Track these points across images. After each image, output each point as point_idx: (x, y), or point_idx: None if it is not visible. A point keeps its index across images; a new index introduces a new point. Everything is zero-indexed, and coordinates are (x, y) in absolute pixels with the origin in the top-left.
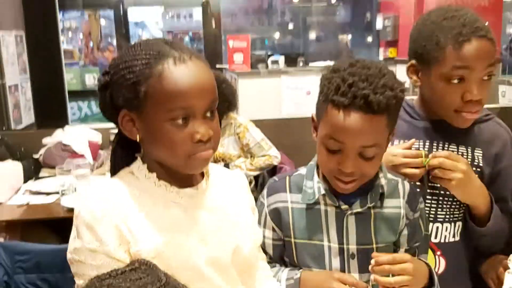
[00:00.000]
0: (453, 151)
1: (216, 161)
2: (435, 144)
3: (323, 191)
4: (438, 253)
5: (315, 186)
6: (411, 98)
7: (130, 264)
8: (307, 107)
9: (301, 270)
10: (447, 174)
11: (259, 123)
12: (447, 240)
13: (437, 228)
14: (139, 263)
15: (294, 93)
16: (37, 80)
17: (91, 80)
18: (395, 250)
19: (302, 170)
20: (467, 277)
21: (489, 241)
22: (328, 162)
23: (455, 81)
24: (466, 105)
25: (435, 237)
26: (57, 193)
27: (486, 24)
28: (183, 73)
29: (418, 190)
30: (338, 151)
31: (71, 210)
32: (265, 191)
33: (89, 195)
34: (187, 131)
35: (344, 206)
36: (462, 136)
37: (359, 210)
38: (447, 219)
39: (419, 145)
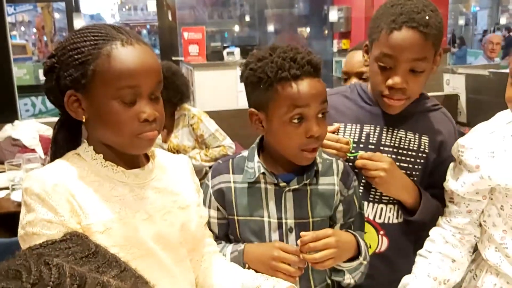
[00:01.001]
0: (401, 136)
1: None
2: (384, 129)
3: (262, 170)
4: (382, 232)
5: (255, 166)
6: (366, 83)
7: (62, 236)
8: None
9: (244, 243)
10: (370, 174)
11: (215, 115)
12: (390, 221)
13: (381, 209)
14: (70, 235)
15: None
16: None
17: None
18: (331, 226)
19: (244, 153)
20: (409, 255)
21: (419, 226)
22: (295, 135)
23: (383, 65)
24: (390, 90)
25: (379, 218)
26: (7, 188)
27: (429, 18)
28: (130, 54)
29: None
30: (301, 120)
31: (20, 204)
32: (209, 174)
33: (37, 173)
34: (133, 110)
35: (282, 184)
36: (411, 123)
37: (296, 186)
38: (391, 201)
39: (370, 129)
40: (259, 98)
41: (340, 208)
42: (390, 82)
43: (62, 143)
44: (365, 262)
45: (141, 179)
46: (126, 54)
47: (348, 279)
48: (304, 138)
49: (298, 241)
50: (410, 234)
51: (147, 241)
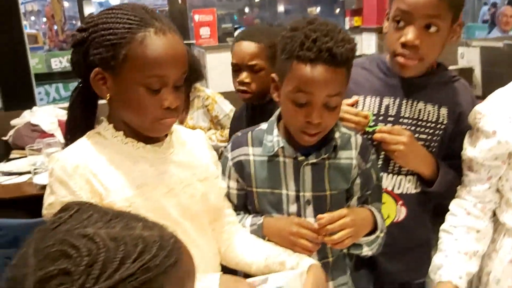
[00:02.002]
0: (420, 108)
1: None
2: (404, 101)
3: (281, 144)
4: (400, 202)
5: (275, 140)
6: (385, 54)
7: (68, 209)
8: None
9: (263, 216)
10: (389, 147)
11: (229, 95)
12: (409, 192)
13: (401, 180)
14: (76, 205)
15: None
16: (1, 64)
17: (58, 64)
18: (348, 198)
19: (263, 126)
20: (426, 224)
21: (437, 196)
22: (296, 116)
23: (397, 24)
24: (403, 48)
25: (398, 189)
26: (29, 172)
27: None
28: (163, 43)
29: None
30: (305, 104)
31: (43, 187)
32: (229, 146)
33: (60, 154)
34: (158, 97)
35: (301, 158)
36: (430, 94)
37: (314, 160)
38: (409, 172)
39: (389, 101)
40: (279, 66)
41: (358, 181)
42: (403, 39)
43: (78, 116)
44: (382, 235)
45: (160, 154)
46: (158, 44)
47: (366, 251)
48: (303, 121)
49: (315, 224)
50: (428, 203)
51: (170, 213)
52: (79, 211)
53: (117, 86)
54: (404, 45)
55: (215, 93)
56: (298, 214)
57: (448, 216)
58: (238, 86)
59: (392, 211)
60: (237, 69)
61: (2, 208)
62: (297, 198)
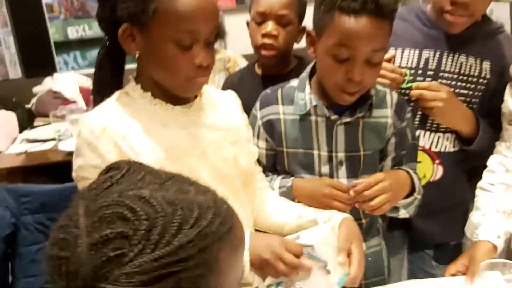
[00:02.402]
0: (462, 61)
1: None
2: (445, 54)
3: (314, 102)
4: (437, 161)
5: (307, 98)
6: (427, 4)
7: (118, 168)
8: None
9: (292, 178)
10: (427, 104)
11: (249, 58)
12: (447, 150)
13: (438, 138)
14: (126, 164)
15: None
16: (20, 32)
17: (74, 33)
18: (382, 158)
19: (294, 82)
20: (463, 182)
21: (476, 155)
22: (335, 72)
23: None
24: (452, 5)
25: (436, 147)
26: (54, 139)
27: None
28: None
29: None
30: (346, 60)
31: (69, 154)
32: (257, 104)
33: (88, 116)
34: (189, 54)
35: (334, 117)
36: (472, 47)
37: (348, 120)
38: (448, 130)
39: (429, 54)
40: (318, 19)
41: (393, 140)
42: None
43: (106, 75)
44: (419, 197)
45: (191, 116)
46: None
47: (403, 214)
48: (343, 79)
49: (351, 192)
50: (465, 162)
51: (202, 176)
52: (130, 171)
53: (147, 42)
54: (453, 2)
55: (237, 55)
56: (330, 175)
57: (485, 173)
58: (263, 40)
59: (429, 170)
60: (261, 20)
61: (29, 175)
62: (330, 159)
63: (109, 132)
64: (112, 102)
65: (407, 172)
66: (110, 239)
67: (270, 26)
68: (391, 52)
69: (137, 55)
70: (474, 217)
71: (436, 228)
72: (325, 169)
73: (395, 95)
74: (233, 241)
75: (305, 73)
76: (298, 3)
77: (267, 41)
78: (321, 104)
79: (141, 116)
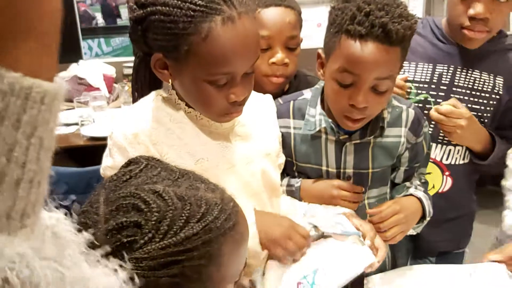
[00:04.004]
0: (476, 77)
1: None
2: (458, 69)
3: (324, 124)
4: (447, 173)
5: (317, 118)
6: (441, 18)
7: (138, 163)
8: (317, 39)
9: (300, 179)
10: (446, 129)
11: None
12: (457, 162)
13: (450, 150)
14: (145, 159)
15: (303, 25)
16: None
17: (100, 19)
18: (393, 170)
19: (307, 94)
20: (470, 194)
21: (490, 169)
22: (339, 98)
23: None
24: (471, 21)
25: (446, 159)
26: (76, 124)
27: None
28: (231, 36)
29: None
30: (350, 85)
31: (90, 139)
32: None
33: (122, 118)
34: (224, 91)
35: (343, 137)
36: (485, 63)
37: (358, 141)
38: (459, 144)
39: (442, 69)
40: (327, 42)
41: (406, 155)
42: (471, 11)
43: (143, 81)
44: (428, 219)
45: (225, 126)
46: (226, 37)
47: (411, 232)
48: (346, 104)
49: (367, 219)
50: (474, 174)
51: (230, 189)
52: (148, 166)
53: (181, 77)
54: (472, 17)
55: None
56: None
57: (509, 173)
58: (274, 70)
59: (438, 181)
60: (268, 46)
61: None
62: (338, 174)
63: (141, 138)
64: (146, 106)
65: (419, 199)
66: (125, 227)
67: (280, 55)
68: (404, 73)
69: (170, 83)
70: (508, 217)
71: (441, 237)
72: None
73: (411, 112)
74: (236, 236)
75: (318, 85)
76: (300, 17)
77: (277, 71)
78: (330, 124)
79: (173, 123)
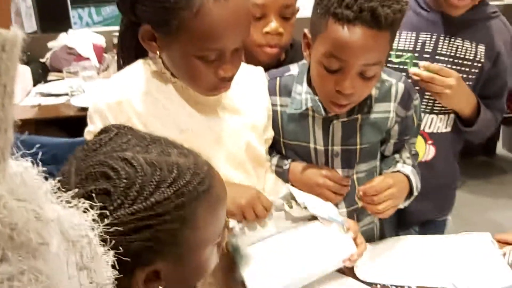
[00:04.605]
0: (458, 45)
1: None
2: (441, 38)
3: (310, 103)
4: (430, 142)
5: (303, 96)
6: None
7: (108, 132)
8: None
9: (290, 160)
10: (435, 88)
11: None
12: (439, 131)
13: (432, 119)
14: (116, 128)
15: None
16: None
17: None
18: (383, 143)
19: (294, 70)
20: (454, 162)
21: (475, 136)
22: (325, 82)
23: None
24: None
25: (429, 128)
26: (67, 94)
27: None
28: (222, 13)
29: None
30: (337, 71)
31: (81, 109)
32: None
33: (107, 85)
34: (213, 67)
35: (330, 115)
36: (468, 31)
37: (345, 119)
38: (442, 111)
39: (425, 37)
40: (313, 22)
41: (395, 128)
42: None
43: (129, 49)
44: (416, 194)
45: (211, 98)
46: (217, 13)
47: (399, 207)
48: (332, 90)
49: (360, 193)
50: (458, 142)
51: (216, 161)
52: (119, 134)
53: (169, 49)
54: None
55: None
56: (326, 164)
57: None
58: (266, 38)
59: (421, 150)
60: (261, 15)
61: (42, 128)
62: (326, 152)
63: (124, 106)
64: (132, 74)
65: (407, 176)
66: (94, 195)
67: (274, 24)
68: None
69: (158, 55)
70: None
71: (425, 206)
72: (321, 159)
73: (401, 86)
74: (211, 199)
75: (306, 62)
76: None
77: (271, 40)
78: (317, 103)
79: (159, 93)
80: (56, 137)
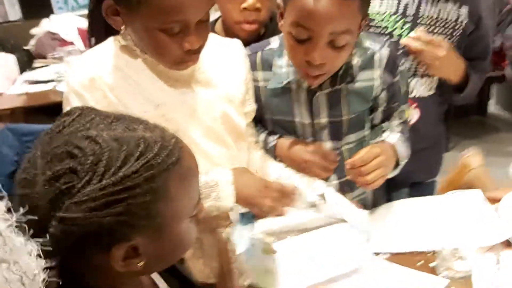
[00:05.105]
0: (441, 7)
1: None
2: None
3: (292, 76)
4: (414, 105)
5: (284, 70)
6: None
7: (71, 113)
8: None
9: (277, 137)
10: (423, 59)
11: None
12: (423, 95)
13: (416, 82)
14: (79, 109)
15: None
16: None
17: None
18: (372, 111)
19: (274, 43)
20: (438, 124)
21: (461, 100)
22: (295, 53)
23: None
24: None
25: (411, 92)
26: (53, 80)
27: None
28: None
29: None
30: (306, 41)
31: None
32: None
33: (76, 66)
34: (178, 40)
35: (313, 87)
36: None
37: (329, 90)
38: (425, 74)
39: (408, 0)
40: None
41: (383, 95)
42: None
43: (99, 27)
44: (403, 163)
45: (183, 72)
46: None
47: (390, 174)
48: (302, 60)
49: (347, 165)
50: (441, 104)
51: (192, 135)
52: (81, 115)
53: (132, 23)
54: None
55: None
56: (313, 137)
57: None
58: (246, 16)
59: (406, 115)
60: None
61: (30, 115)
62: (312, 125)
63: (98, 82)
64: (102, 51)
65: (393, 146)
66: (61, 174)
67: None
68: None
69: (123, 30)
70: None
71: (412, 168)
72: (307, 133)
73: (385, 52)
74: (181, 171)
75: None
76: None
77: (249, 16)
78: (299, 76)
79: (132, 69)
80: (46, 124)
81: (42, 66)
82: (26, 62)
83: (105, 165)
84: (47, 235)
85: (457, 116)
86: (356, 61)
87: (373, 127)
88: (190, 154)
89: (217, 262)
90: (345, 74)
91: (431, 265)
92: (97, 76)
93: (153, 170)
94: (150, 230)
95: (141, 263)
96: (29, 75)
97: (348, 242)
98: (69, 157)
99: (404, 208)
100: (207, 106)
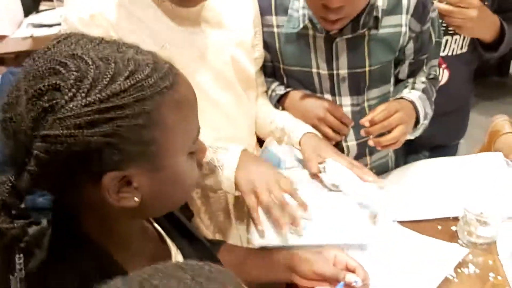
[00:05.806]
0: None
1: None
2: None
3: (308, 19)
4: (443, 66)
5: (300, 12)
6: None
7: (59, 38)
8: None
9: (285, 89)
10: (454, 21)
11: None
12: (454, 53)
13: (447, 41)
14: (67, 35)
15: None
16: None
17: None
18: (397, 64)
19: None
20: (469, 84)
21: (496, 56)
22: None
23: None
24: None
25: (443, 51)
26: (59, 24)
27: None
28: None
29: None
30: None
31: None
32: None
33: (77, 0)
34: None
35: (333, 32)
36: None
37: (350, 36)
38: (457, 32)
39: None
40: None
41: (410, 46)
42: None
43: None
44: (426, 122)
45: (192, 10)
46: None
47: (408, 137)
48: (319, 4)
49: (366, 123)
50: (473, 63)
51: (201, 80)
52: (68, 38)
53: None
54: None
55: None
56: (332, 92)
57: None
58: None
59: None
60: None
61: None
62: (330, 77)
63: (99, 19)
64: None
65: (412, 102)
66: (44, 92)
67: None
68: None
69: None
70: None
71: (435, 131)
72: (326, 86)
73: None
74: (176, 97)
75: None
76: None
77: None
78: (317, 18)
79: (136, 5)
80: None
81: (48, 9)
82: (32, 4)
83: (91, 82)
84: (32, 161)
85: (476, 76)
86: (381, 3)
87: (397, 82)
88: (187, 83)
89: (223, 217)
90: (368, 18)
91: (452, 228)
92: (98, 12)
93: (143, 91)
94: (144, 161)
95: (137, 199)
96: (34, 18)
97: (352, 216)
98: (52, 74)
99: (423, 170)
100: (217, 48)
